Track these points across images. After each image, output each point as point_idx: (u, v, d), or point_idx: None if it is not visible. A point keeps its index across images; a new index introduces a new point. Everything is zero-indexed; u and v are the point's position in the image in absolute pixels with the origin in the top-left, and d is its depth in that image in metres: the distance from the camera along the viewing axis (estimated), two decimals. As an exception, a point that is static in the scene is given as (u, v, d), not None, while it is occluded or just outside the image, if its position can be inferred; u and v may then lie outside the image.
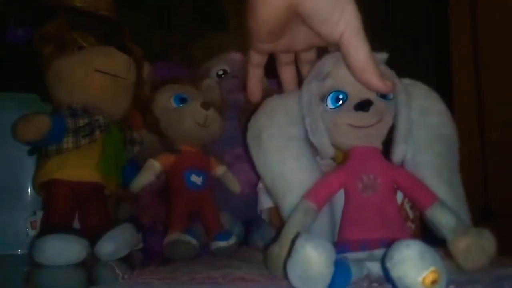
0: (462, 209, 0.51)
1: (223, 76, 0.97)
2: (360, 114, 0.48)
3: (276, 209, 0.69)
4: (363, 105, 0.48)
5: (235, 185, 0.81)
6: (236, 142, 0.85)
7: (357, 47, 0.46)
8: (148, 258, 0.73)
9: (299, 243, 0.39)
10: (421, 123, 0.53)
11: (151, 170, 0.74)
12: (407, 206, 0.52)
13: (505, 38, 1.66)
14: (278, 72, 0.57)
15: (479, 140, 1.62)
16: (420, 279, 0.35)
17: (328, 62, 0.51)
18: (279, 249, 0.46)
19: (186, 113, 0.76)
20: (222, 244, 0.72)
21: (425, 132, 0.53)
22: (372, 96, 0.48)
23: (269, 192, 0.55)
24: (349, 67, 0.47)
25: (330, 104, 0.50)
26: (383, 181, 0.48)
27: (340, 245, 0.47)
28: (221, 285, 0.46)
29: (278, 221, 0.71)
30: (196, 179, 0.75)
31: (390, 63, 0.51)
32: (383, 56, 0.50)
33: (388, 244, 0.40)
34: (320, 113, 0.50)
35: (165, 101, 0.77)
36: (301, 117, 0.52)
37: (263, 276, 0.47)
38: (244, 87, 0.91)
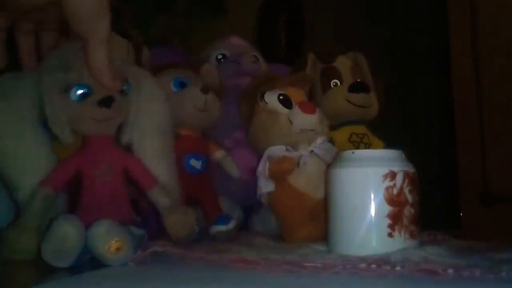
0: (175, 187, 0.63)
1: (222, 60, 0.96)
2: (104, 110, 0.55)
3: (276, 194, 0.70)
4: (106, 101, 0.55)
5: (234, 169, 0.81)
6: (235, 126, 0.85)
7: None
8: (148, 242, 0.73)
9: (56, 221, 0.47)
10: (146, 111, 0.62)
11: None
12: (406, 190, 0.51)
13: (505, 37, 1.66)
14: (17, 41, 0.58)
15: (479, 125, 1.62)
16: (106, 247, 0.47)
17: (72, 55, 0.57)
18: (19, 233, 0.51)
19: (186, 98, 0.75)
20: (221, 228, 0.72)
21: (149, 119, 0.62)
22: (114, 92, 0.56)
23: None
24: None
25: (73, 97, 0.55)
26: (117, 168, 0.57)
27: None
28: (222, 267, 0.46)
29: (278, 205, 0.71)
30: (195, 163, 0.75)
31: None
32: None
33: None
34: (62, 103, 0.55)
35: (165, 85, 0.77)
36: (40, 100, 0.55)
37: (264, 260, 0.47)
38: (243, 72, 0.91)
